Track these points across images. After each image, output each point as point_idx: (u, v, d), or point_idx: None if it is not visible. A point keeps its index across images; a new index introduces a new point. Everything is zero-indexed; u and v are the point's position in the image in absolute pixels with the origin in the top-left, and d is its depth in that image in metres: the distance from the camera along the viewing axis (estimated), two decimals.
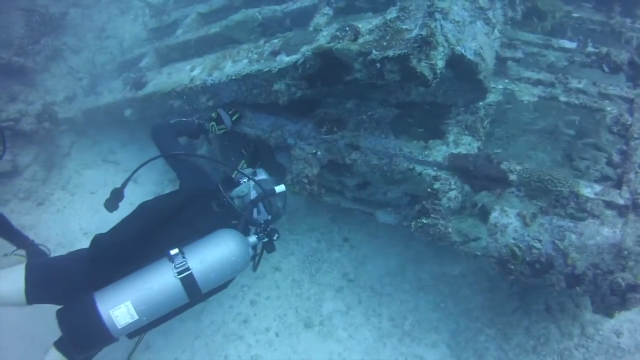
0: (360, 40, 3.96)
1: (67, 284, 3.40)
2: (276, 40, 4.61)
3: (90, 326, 3.12)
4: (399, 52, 3.63)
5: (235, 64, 4.66)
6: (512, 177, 3.96)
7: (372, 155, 4.38)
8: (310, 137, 4.65)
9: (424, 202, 4.09)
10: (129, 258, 3.39)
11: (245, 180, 4.08)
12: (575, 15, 5.21)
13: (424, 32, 3.72)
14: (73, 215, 5.70)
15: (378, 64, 3.74)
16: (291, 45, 4.33)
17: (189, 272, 3.24)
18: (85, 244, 5.10)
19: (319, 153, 4.58)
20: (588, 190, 3.81)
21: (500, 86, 4.67)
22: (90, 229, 5.51)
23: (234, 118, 4.74)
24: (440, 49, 3.83)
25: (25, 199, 5.84)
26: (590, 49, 4.82)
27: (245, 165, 4.69)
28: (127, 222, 3.53)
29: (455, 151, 4.21)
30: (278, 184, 4.01)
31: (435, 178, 4.12)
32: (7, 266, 3.58)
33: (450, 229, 4.03)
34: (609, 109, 4.38)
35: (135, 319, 3.17)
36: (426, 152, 4.24)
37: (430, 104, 4.58)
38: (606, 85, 4.50)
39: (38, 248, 4.11)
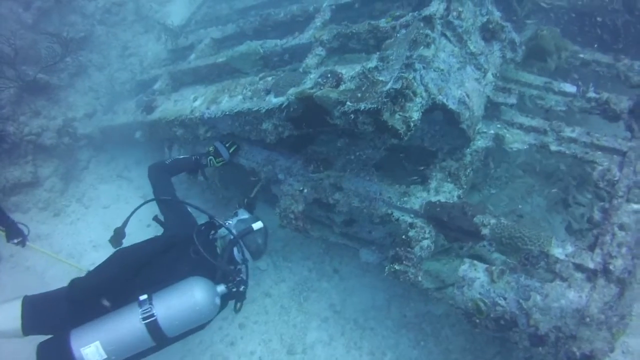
0: (341, 87, 4.04)
1: (54, 319, 3.67)
2: (270, 78, 4.73)
3: None
4: (370, 106, 3.68)
5: (231, 99, 4.82)
6: (485, 231, 3.96)
7: (354, 197, 4.46)
8: (299, 174, 4.78)
9: (397, 249, 4.15)
10: (105, 299, 3.64)
11: (229, 221, 4.20)
12: (581, 56, 5.07)
13: (397, 86, 3.76)
14: (85, 228, 6.05)
15: (352, 115, 3.81)
16: (280, 86, 4.43)
17: (154, 318, 3.41)
18: (94, 257, 5.49)
19: (305, 191, 4.69)
20: (559, 250, 3.77)
21: (492, 131, 4.63)
22: (100, 242, 5.83)
23: (231, 150, 4.91)
24: (418, 100, 3.87)
25: (44, 209, 6.24)
26: (591, 94, 4.70)
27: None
28: (103, 268, 3.76)
29: (435, 199, 4.23)
30: (257, 221, 4.13)
31: (411, 225, 4.16)
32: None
33: (420, 277, 4.08)
34: (599, 161, 4.29)
35: (103, 358, 3.38)
36: (405, 199, 4.28)
37: (417, 148, 4.61)
38: (600, 136, 4.39)
39: (17, 227, 4.51)
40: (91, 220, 6.13)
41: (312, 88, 4.13)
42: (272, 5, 6.22)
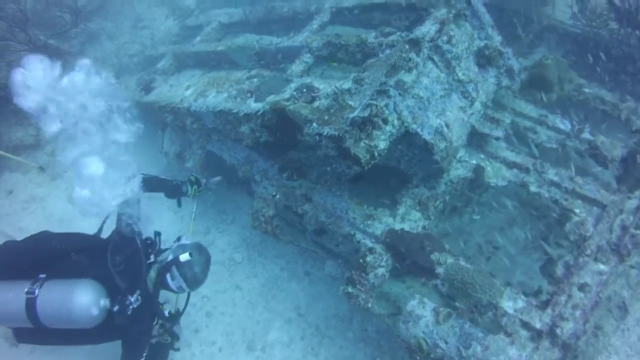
0: (315, 104, 3.96)
1: None
2: (256, 80, 4.68)
3: None
4: (333, 133, 3.61)
5: (217, 95, 4.80)
6: (440, 270, 3.89)
7: (322, 211, 4.43)
8: (274, 179, 4.77)
9: (353, 272, 4.12)
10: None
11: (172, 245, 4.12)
12: (586, 90, 4.79)
13: (364, 114, 3.68)
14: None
15: (316, 137, 3.75)
16: (261, 91, 4.39)
17: (33, 296, 3.47)
18: (82, 225, 5.60)
19: (277, 196, 4.69)
20: (509, 304, 3.67)
21: (474, 161, 4.48)
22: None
23: (199, 190, 4.95)
24: (388, 128, 3.77)
25: (43, 172, 6.42)
26: (586, 134, 4.47)
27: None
28: (24, 240, 3.87)
29: (399, 226, 4.16)
30: (188, 251, 3.90)
31: (371, 250, 4.11)
32: None
33: (370, 304, 4.05)
34: (577, 211, 4.10)
35: None
36: (369, 222, 4.22)
37: (392, 170, 4.50)
38: (584, 183, 4.20)
39: None
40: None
41: (287, 100, 4.06)
42: None
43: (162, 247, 4.13)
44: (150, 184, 4.50)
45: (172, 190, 4.75)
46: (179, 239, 4.15)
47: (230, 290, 5.43)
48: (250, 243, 5.70)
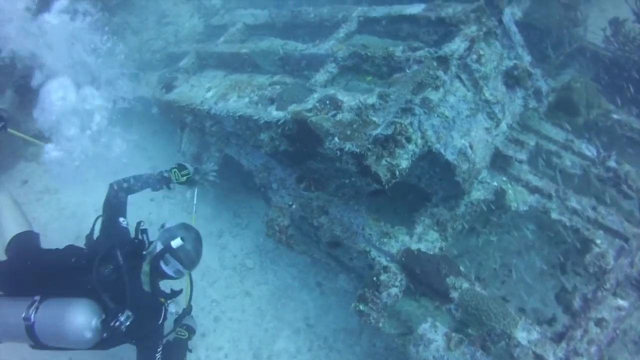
0: (338, 117, 3.89)
1: None
2: (278, 87, 4.61)
3: None
4: (354, 149, 3.55)
5: (238, 100, 4.73)
6: (454, 294, 3.81)
7: (338, 225, 4.37)
8: (291, 188, 4.71)
9: (365, 289, 4.05)
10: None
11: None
12: (614, 116, 4.67)
13: (388, 132, 3.62)
14: (93, 190, 6.15)
15: (338, 152, 3.68)
16: (283, 99, 4.31)
17: (31, 322, 3.45)
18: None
19: (294, 206, 4.63)
20: (523, 335, 3.58)
21: (495, 183, 4.38)
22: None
23: (184, 177, 4.68)
24: (411, 147, 3.71)
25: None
26: (612, 162, 4.36)
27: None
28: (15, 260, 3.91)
29: (415, 246, 4.08)
30: (178, 236, 3.76)
31: (385, 269, 4.05)
32: None
33: (381, 324, 3.99)
34: (598, 242, 4.00)
35: None
36: (385, 240, 4.15)
37: (412, 187, 4.43)
38: (607, 214, 4.09)
39: None
40: (99, 185, 6.23)
41: (310, 110, 4.00)
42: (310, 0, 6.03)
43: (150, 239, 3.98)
44: (134, 188, 4.44)
45: (157, 182, 4.59)
46: (163, 226, 3.97)
47: (240, 296, 5.38)
48: (263, 249, 5.65)
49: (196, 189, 4.99)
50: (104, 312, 3.53)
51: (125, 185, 4.36)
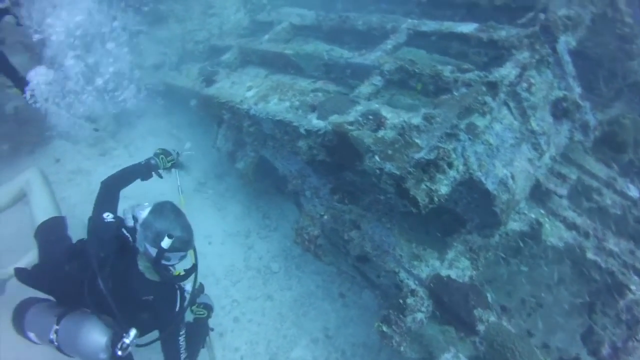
0: (380, 134, 3.82)
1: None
2: (321, 94, 4.55)
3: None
4: (394, 172, 3.48)
5: (279, 103, 4.69)
6: (481, 327, 3.72)
7: (369, 241, 4.30)
8: (324, 198, 4.65)
9: (390, 311, 3.99)
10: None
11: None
12: None
13: (431, 156, 3.54)
14: None
15: (377, 170, 3.62)
16: (325, 109, 4.26)
17: (56, 344, 3.59)
18: (121, 206, 5.55)
19: (325, 217, 4.57)
20: None
21: (533, 215, 4.27)
22: (127, 193, 5.90)
23: (169, 163, 4.70)
24: (452, 173, 3.64)
25: (93, 145, 6.44)
26: None
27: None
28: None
29: (445, 272, 4.00)
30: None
31: (413, 293, 3.97)
32: None
33: (403, 348, 3.92)
34: (633, 288, 3.88)
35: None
36: (415, 262, 4.07)
37: (448, 211, 4.33)
38: None
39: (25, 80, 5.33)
40: None
41: (351, 124, 3.94)
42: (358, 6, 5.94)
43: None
44: (124, 181, 4.38)
45: (145, 171, 4.53)
46: (135, 219, 3.61)
47: (262, 299, 5.35)
48: (290, 254, 5.62)
49: (177, 171, 4.88)
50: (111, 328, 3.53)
51: (114, 180, 4.29)
